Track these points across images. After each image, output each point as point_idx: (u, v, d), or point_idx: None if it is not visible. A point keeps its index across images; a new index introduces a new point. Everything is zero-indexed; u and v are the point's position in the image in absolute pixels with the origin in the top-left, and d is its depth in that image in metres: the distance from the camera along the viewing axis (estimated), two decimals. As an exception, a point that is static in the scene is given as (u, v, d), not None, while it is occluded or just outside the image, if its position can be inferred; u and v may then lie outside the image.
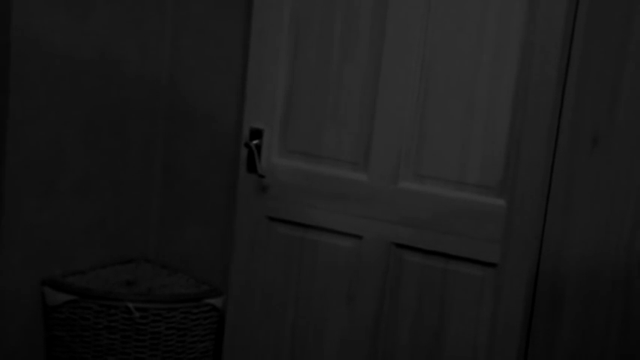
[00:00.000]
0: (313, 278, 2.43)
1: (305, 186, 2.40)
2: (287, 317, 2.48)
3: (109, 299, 2.47)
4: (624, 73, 2.00)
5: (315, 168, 2.39)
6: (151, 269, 2.80)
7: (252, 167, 2.43)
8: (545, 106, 2.06)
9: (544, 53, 2.05)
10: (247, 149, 2.43)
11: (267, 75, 2.41)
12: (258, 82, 2.43)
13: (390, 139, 2.27)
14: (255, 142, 2.43)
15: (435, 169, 2.24)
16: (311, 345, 2.45)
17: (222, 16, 2.65)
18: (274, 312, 2.50)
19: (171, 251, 2.85)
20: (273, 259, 2.48)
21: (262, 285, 2.50)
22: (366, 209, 2.32)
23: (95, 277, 2.66)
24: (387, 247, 2.31)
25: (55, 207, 2.55)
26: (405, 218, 2.27)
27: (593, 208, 2.07)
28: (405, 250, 2.29)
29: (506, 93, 2.13)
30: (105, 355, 2.50)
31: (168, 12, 2.76)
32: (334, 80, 2.34)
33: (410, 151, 2.27)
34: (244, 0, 2.56)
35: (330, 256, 2.39)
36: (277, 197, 2.44)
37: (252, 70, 2.44)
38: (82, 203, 2.62)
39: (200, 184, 2.77)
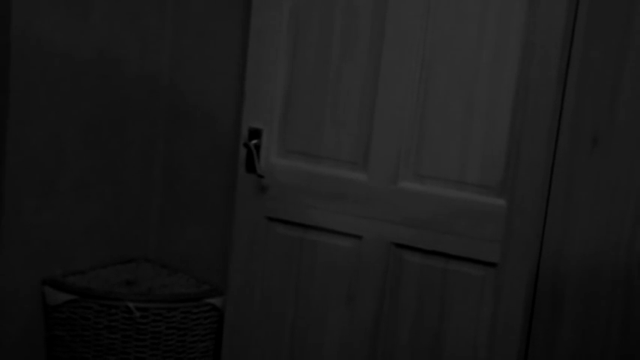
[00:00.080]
0: (313, 278, 2.42)
1: (304, 186, 2.39)
2: (286, 317, 2.48)
3: (109, 299, 2.47)
4: (624, 73, 2.00)
5: (315, 168, 2.38)
6: (151, 269, 2.81)
7: (251, 167, 2.43)
8: (545, 106, 2.06)
9: (544, 53, 2.05)
10: (246, 149, 2.43)
11: (266, 75, 2.41)
12: (257, 82, 2.42)
13: (389, 139, 2.27)
14: (254, 142, 2.42)
15: (435, 169, 2.24)
16: (310, 345, 2.45)
17: (222, 16, 2.65)
18: (274, 312, 2.49)
19: (172, 251, 2.85)
20: (272, 260, 2.48)
21: (261, 285, 2.50)
22: (365, 209, 2.32)
23: (95, 276, 2.66)
24: (387, 247, 2.30)
25: (55, 207, 2.55)
26: (404, 218, 2.27)
27: (593, 208, 2.07)
28: (405, 250, 2.29)
29: (507, 93, 2.13)
30: (105, 354, 2.50)
31: (168, 12, 2.76)
32: (333, 80, 2.34)
33: (410, 151, 2.26)
34: (244, 0, 2.55)
35: (329, 256, 2.39)
36: (276, 197, 2.44)
37: (252, 69, 2.43)
38: (82, 203, 2.62)
39: (200, 184, 2.77)
